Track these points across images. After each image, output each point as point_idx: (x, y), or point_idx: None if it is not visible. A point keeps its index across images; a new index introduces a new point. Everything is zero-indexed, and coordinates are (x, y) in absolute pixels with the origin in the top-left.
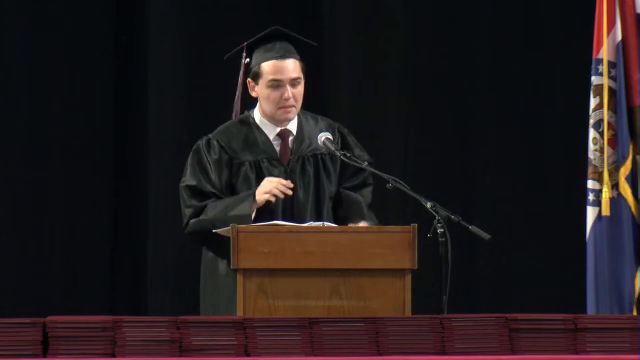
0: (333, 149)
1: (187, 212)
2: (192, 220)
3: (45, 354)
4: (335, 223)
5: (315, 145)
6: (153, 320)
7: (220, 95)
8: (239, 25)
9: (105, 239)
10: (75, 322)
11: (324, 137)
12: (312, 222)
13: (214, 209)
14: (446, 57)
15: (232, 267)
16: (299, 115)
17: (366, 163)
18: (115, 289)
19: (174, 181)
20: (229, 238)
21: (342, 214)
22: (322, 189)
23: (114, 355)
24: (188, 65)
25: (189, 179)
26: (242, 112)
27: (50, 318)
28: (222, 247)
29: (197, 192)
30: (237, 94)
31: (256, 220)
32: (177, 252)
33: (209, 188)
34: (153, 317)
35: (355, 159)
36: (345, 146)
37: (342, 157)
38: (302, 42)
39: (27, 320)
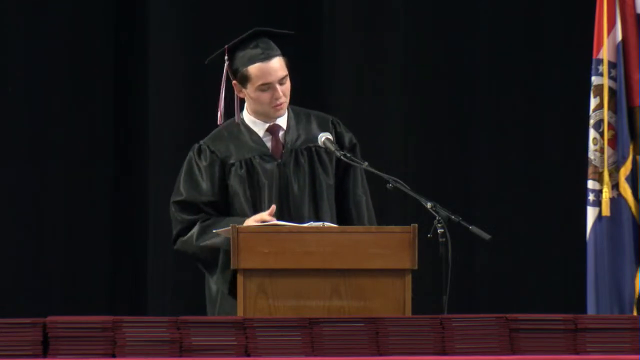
0: (333, 149)
1: (176, 226)
2: (180, 239)
3: (45, 354)
4: (338, 215)
5: (308, 138)
6: (153, 320)
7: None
8: (239, 26)
9: (105, 239)
10: (75, 322)
11: (323, 137)
12: (312, 222)
13: (198, 232)
14: (446, 57)
15: (232, 267)
16: (288, 110)
17: (366, 163)
18: (115, 289)
19: (174, 181)
20: (214, 259)
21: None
22: (318, 181)
23: (114, 355)
24: (188, 65)
25: (177, 193)
26: (226, 113)
27: (50, 318)
28: (210, 267)
29: (185, 206)
30: (221, 95)
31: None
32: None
33: (198, 199)
34: (153, 317)
35: (355, 159)
36: (338, 138)
37: (342, 157)
38: (282, 35)
39: (27, 320)
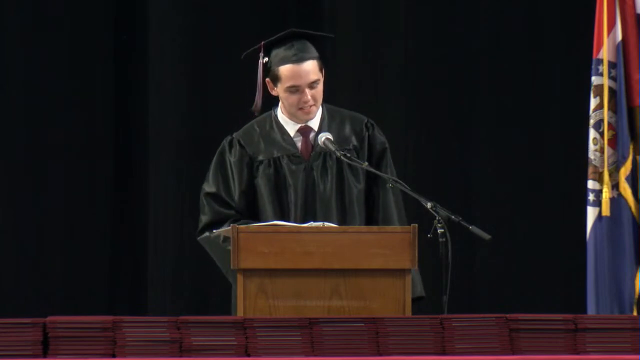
0: (333, 149)
1: (203, 218)
2: (205, 234)
3: (45, 354)
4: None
5: (337, 140)
6: (153, 320)
7: (220, 95)
8: (239, 26)
9: (105, 238)
10: (75, 322)
11: (323, 137)
12: (312, 222)
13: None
14: (446, 58)
15: (232, 267)
16: (322, 111)
17: (366, 163)
18: (115, 289)
19: (174, 181)
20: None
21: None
22: (347, 184)
23: (114, 355)
24: (188, 66)
25: (209, 185)
26: (263, 108)
27: (50, 318)
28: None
29: (215, 199)
30: (257, 92)
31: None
32: (177, 251)
33: (228, 193)
34: (153, 317)
35: (355, 159)
36: (370, 140)
37: (342, 157)
38: (320, 37)
39: (27, 320)
